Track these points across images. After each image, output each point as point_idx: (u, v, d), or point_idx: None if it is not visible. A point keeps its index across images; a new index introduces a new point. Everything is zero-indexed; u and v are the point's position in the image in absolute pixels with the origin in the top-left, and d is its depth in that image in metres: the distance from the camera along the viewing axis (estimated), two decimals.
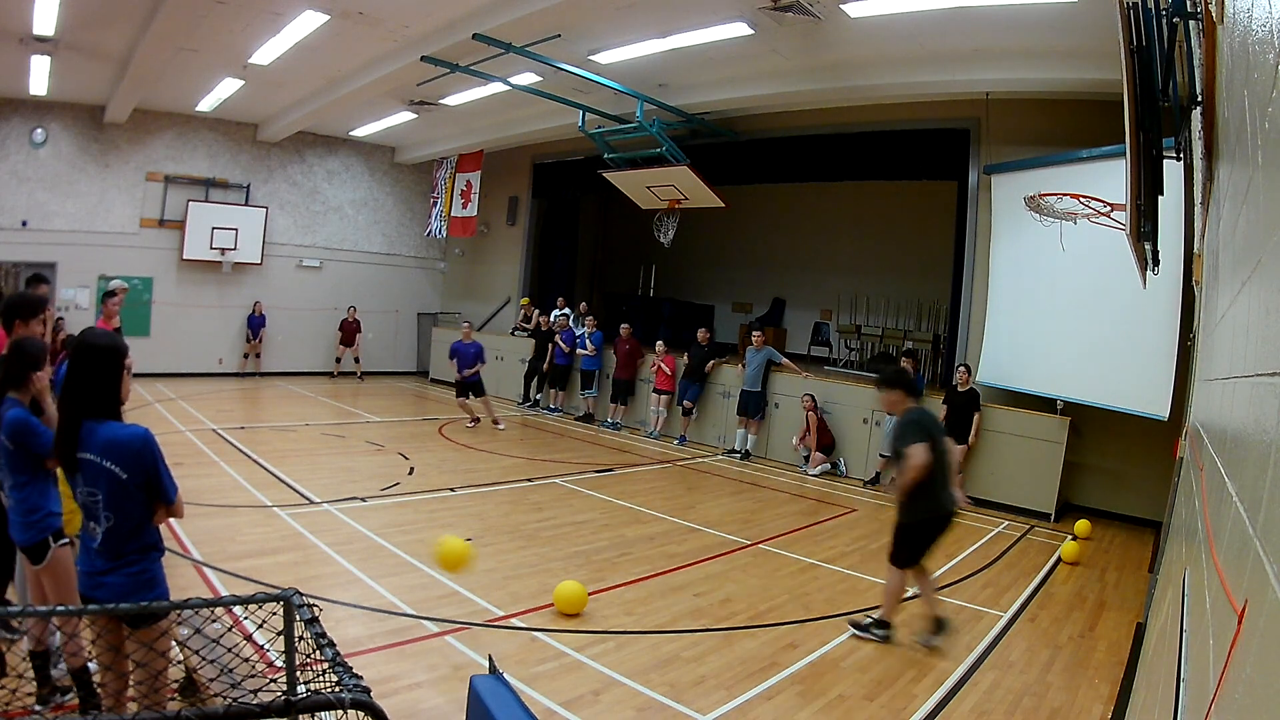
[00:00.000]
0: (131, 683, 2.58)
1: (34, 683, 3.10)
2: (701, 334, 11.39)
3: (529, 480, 8.14)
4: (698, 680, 3.94)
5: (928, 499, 4.46)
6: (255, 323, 14.40)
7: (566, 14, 7.74)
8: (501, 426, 11.03)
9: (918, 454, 4.33)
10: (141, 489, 2.48)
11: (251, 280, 14.53)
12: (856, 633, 4.63)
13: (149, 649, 2.46)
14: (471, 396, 10.98)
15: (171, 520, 5.63)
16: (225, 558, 5.02)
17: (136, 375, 11.13)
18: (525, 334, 13.85)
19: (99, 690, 2.64)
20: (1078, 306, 8.00)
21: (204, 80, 11.22)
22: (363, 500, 6.77)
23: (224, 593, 4.31)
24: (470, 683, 2.58)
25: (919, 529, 4.57)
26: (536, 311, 13.78)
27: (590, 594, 4.79)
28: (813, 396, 9.87)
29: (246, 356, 14.42)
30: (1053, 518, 8.26)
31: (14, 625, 3.40)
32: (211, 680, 2.77)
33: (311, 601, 2.32)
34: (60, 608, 2.21)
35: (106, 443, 2.43)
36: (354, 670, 1.92)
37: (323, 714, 1.82)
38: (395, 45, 9.30)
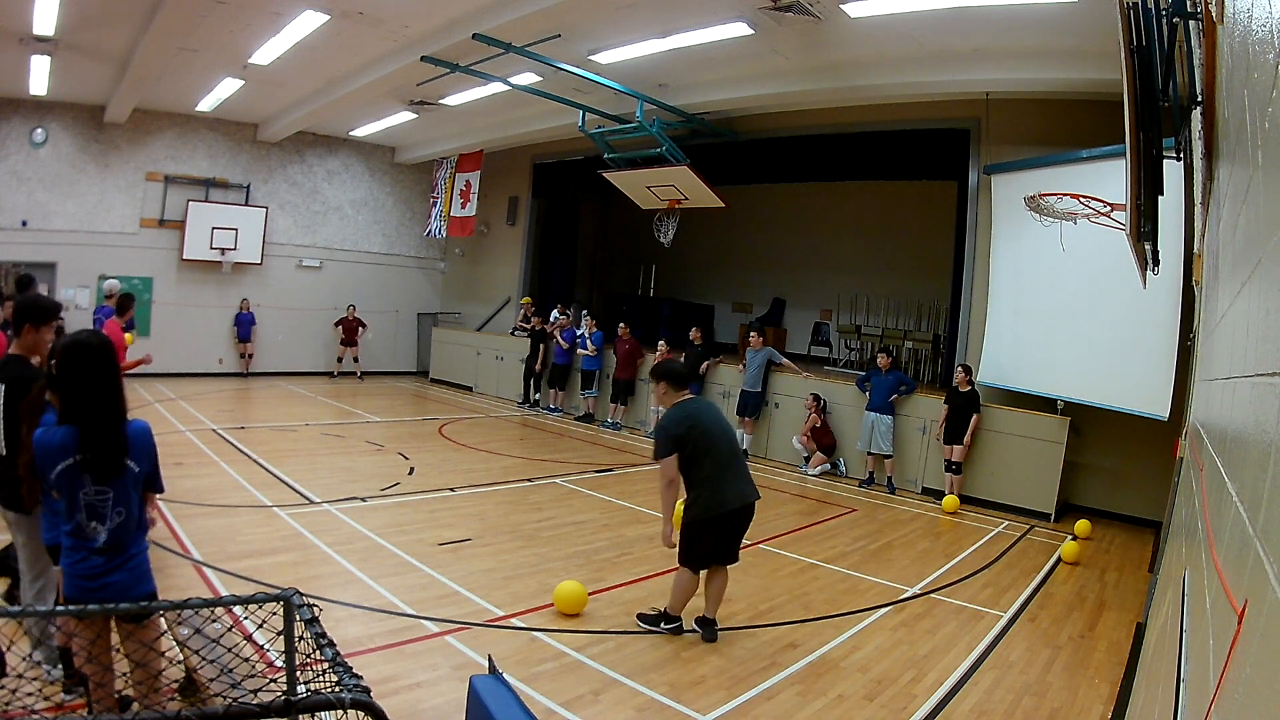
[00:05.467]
0: (131, 682, 2.58)
1: (34, 681, 3.11)
2: (694, 333, 11.38)
3: (529, 480, 8.14)
4: (698, 680, 3.94)
5: (706, 496, 4.22)
6: (244, 321, 14.34)
7: (566, 14, 7.74)
8: None
9: (665, 470, 4.21)
10: (144, 480, 2.55)
11: (251, 280, 14.53)
12: (644, 626, 4.49)
13: (149, 648, 2.45)
14: None
15: (171, 520, 5.64)
16: (225, 558, 5.02)
17: (138, 375, 11.20)
18: (524, 334, 13.87)
19: (97, 689, 2.63)
20: (1078, 306, 8.00)
21: (204, 80, 11.23)
22: (363, 500, 6.77)
23: (224, 593, 4.30)
24: (470, 683, 2.58)
25: (701, 528, 4.27)
26: (532, 313, 13.78)
27: (590, 594, 4.79)
28: (816, 396, 9.88)
29: (243, 356, 14.40)
30: (1053, 518, 8.27)
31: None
32: (211, 680, 2.77)
33: (311, 601, 2.32)
34: (61, 608, 2.21)
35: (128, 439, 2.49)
36: (354, 670, 1.92)
37: (323, 714, 1.82)
38: (395, 45, 9.30)
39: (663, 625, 4.50)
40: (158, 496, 2.74)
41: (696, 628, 4.56)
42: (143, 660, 2.47)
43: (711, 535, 4.30)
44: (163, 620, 3.13)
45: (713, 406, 4.63)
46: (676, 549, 4.44)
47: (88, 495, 2.42)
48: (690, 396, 4.48)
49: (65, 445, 2.39)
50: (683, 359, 11.28)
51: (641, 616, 4.59)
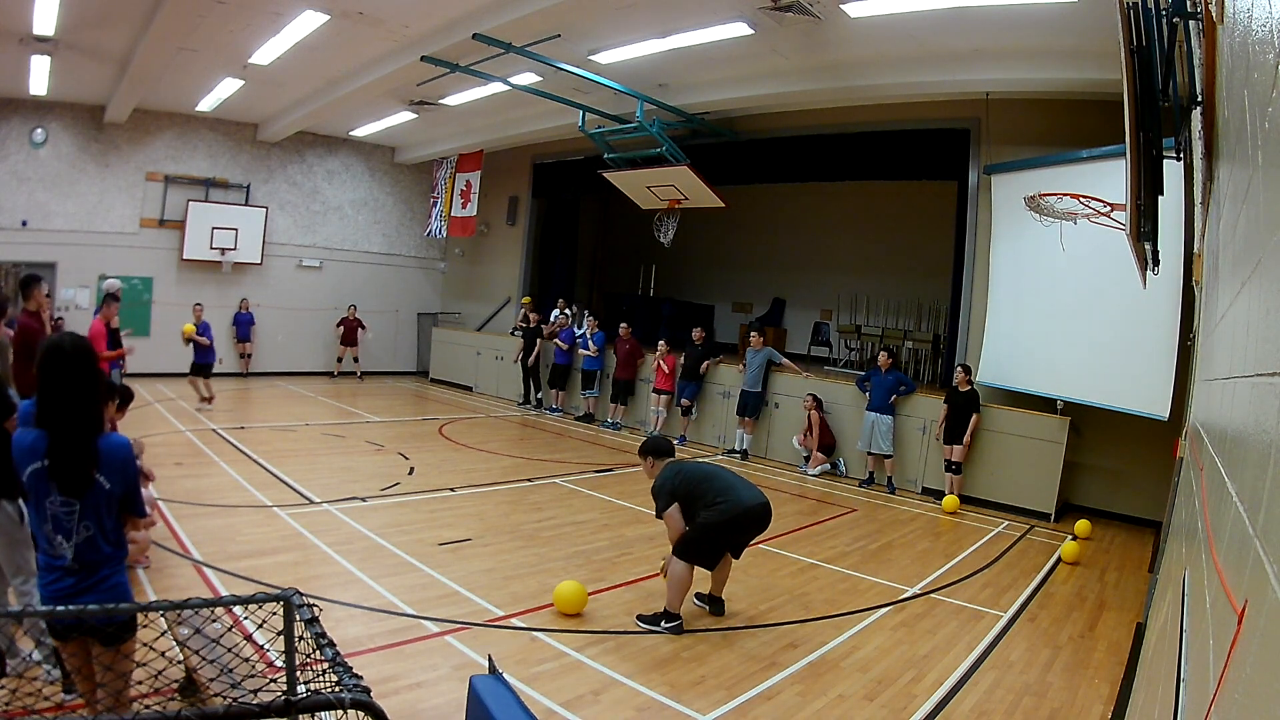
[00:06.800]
0: (87, 700, 2.54)
1: (34, 681, 3.12)
2: (696, 333, 11.40)
3: (529, 480, 8.14)
4: (698, 680, 3.94)
5: (724, 504, 4.49)
6: (243, 321, 14.28)
7: (566, 14, 7.74)
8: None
9: (672, 524, 4.53)
10: (120, 500, 2.42)
11: (251, 280, 14.52)
12: (644, 626, 4.55)
13: (109, 669, 2.38)
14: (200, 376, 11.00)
15: (171, 520, 5.64)
16: (225, 558, 5.02)
17: (138, 375, 11.18)
18: (521, 333, 13.88)
19: (87, 701, 2.60)
20: (1078, 306, 8.00)
21: (204, 80, 11.23)
22: (363, 500, 6.77)
23: (224, 593, 4.31)
24: (470, 683, 2.58)
25: (719, 529, 4.53)
26: (530, 311, 13.77)
27: (590, 594, 4.79)
28: (815, 396, 9.88)
29: (242, 356, 14.36)
30: (1053, 518, 8.26)
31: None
32: (211, 680, 2.77)
33: (311, 601, 2.32)
34: (60, 609, 2.20)
35: (99, 453, 2.36)
36: (354, 670, 1.92)
37: (323, 714, 1.82)
38: (395, 45, 9.30)
39: (663, 625, 4.51)
40: (145, 526, 2.65)
41: (703, 604, 4.85)
42: (103, 681, 2.40)
43: (730, 533, 4.59)
44: (162, 620, 3.13)
45: (696, 461, 5.28)
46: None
47: (53, 505, 2.32)
48: (672, 461, 4.87)
49: (35, 448, 2.31)
50: (683, 358, 11.32)
51: (641, 617, 4.60)
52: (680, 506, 4.53)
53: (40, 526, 2.35)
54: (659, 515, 4.60)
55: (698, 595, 4.90)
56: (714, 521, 4.48)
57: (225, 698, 2.57)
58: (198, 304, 11.72)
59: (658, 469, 4.77)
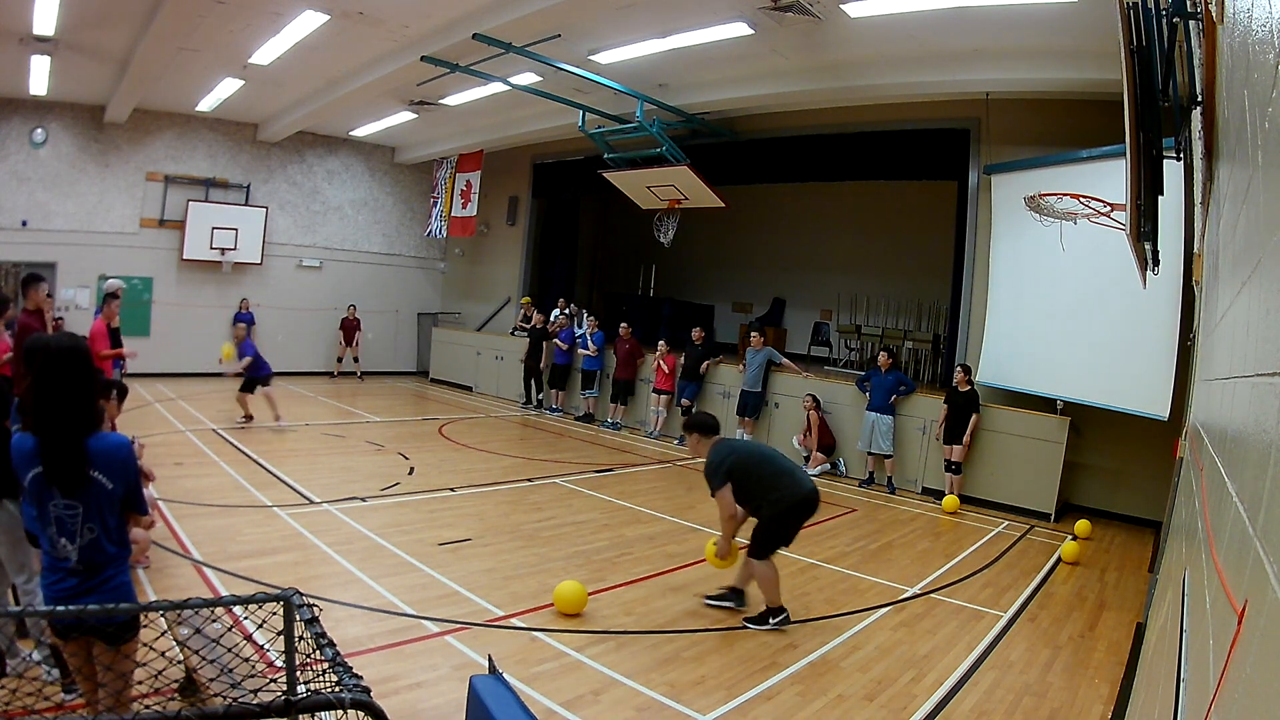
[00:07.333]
0: (88, 700, 2.54)
1: (34, 681, 3.12)
2: (696, 333, 11.39)
3: (529, 480, 8.14)
4: (698, 680, 3.94)
5: (787, 490, 4.64)
6: (243, 321, 14.21)
7: (566, 14, 7.75)
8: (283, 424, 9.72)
9: (724, 503, 4.63)
10: (122, 500, 2.41)
11: (251, 280, 14.52)
12: (752, 626, 4.67)
13: (109, 669, 2.37)
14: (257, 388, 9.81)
15: (171, 520, 5.64)
16: (225, 558, 5.02)
17: (138, 375, 11.16)
18: (524, 334, 13.87)
19: (88, 700, 2.60)
20: (1078, 306, 8.00)
21: (204, 80, 11.23)
22: (363, 500, 6.77)
23: (224, 593, 4.31)
24: (470, 683, 2.58)
25: (786, 516, 4.69)
26: (534, 311, 13.79)
27: (590, 594, 4.79)
28: (814, 397, 9.88)
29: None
30: (1053, 518, 8.26)
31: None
32: (211, 680, 2.77)
33: (311, 601, 2.31)
34: (60, 609, 2.20)
35: (94, 452, 2.34)
36: (354, 670, 1.92)
37: (323, 714, 1.82)
38: (395, 45, 9.30)
39: (771, 621, 4.65)
40: (145, 518, 2.64)
41: (715, 602, 4.92)
42: (105, 681, 2.39)
43: (795, 518, 4.72)
44: (162, 620, 3.13)
45: (748, 440, 5.15)
46: (724, 554, 4.80)
47: (56, 508, 2.30)
48: (722, 439, 4.92)
49: (33, 453, 2.30)
50: (683, 358, 11.32)
51: (749, 620, 4.71)
52: (733, 487, 4.60)
53: (43, 530, 2.34)
54: (713, 494, 4.66)
55: (707, 596, 4.95)
56: (779, 513, 4.63)
57: (225, 698, 2.56)
58: (239, 323, 11.42)
59: (703, 446, 4.81)
